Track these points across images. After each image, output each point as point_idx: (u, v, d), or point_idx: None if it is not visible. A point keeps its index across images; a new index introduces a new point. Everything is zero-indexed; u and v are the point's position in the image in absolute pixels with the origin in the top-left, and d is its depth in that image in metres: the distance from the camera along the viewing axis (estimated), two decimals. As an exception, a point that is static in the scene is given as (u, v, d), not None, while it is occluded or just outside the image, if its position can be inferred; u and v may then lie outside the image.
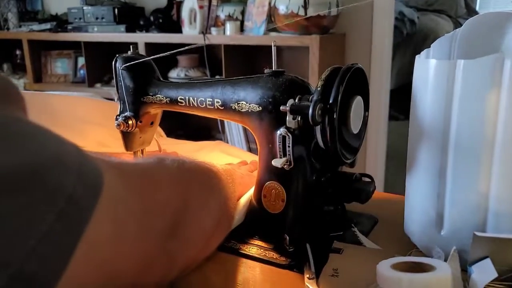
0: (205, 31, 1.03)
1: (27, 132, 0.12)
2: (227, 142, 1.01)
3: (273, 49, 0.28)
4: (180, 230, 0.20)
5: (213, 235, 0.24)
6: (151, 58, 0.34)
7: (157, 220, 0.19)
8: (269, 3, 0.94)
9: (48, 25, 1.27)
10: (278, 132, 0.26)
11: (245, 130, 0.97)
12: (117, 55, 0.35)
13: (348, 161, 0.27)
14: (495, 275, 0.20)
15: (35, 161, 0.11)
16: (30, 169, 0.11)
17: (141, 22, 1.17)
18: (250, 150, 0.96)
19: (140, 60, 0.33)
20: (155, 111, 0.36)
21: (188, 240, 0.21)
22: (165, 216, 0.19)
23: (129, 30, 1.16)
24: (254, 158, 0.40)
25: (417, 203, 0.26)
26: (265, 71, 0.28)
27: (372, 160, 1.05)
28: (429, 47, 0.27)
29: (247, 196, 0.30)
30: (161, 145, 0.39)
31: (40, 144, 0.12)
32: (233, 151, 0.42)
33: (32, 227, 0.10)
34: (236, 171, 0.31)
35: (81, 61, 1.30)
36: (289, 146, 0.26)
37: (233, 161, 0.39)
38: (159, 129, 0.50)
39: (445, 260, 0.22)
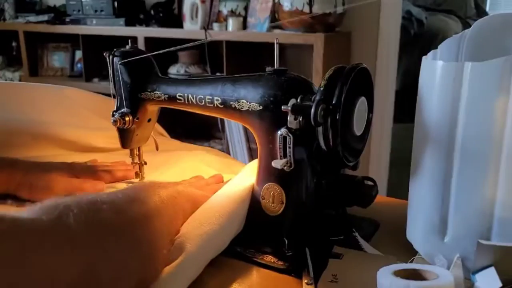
0: (206, 26, 1.02)
1: None
2: (227, 142, 1.00)
3: (276, 47, 0.27)
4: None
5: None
6: (151, 55, 0.33)
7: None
8: (273, -1, 0.93)
9: (45, 17, 1.25)
10: (279, 132, 0.26)
11: (245, 129, 0.96)
12: (114, 49, 0.34)
13: (351, 164, 0.26)
14: (499, 284, 0.19)
15: None
16: None
17: (141, 16, 1.15)
18: (250, 150, 0.96)
19: (140, 56, 0.32)
20: (153, 108, 0.35)
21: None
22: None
23: (128, 23, 1.14)
24: (235, 167, 0.38)
25: (421, 209, 0.25)
26: (267, 69, 0.28)
27: (375, 163, 1.04)
28: (437, 48, 0.27)
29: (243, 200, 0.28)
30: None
31: None
32: (215, 163, 0.39)
33: None
34: (192, 193, 0.27)
35: (79, 54, 1.28)
36: (289, 147, 0.25)
37: (210, 173, 0.36)
38: (162, 130, 0.49)
39: (448, 268, 0.22)
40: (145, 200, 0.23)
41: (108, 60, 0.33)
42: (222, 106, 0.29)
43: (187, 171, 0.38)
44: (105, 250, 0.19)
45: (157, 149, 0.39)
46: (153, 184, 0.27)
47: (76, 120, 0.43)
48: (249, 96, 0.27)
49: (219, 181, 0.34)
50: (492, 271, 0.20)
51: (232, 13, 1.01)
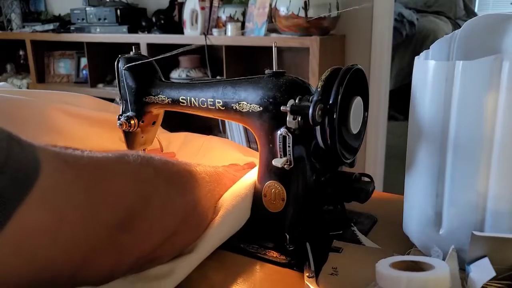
0: (206, 32, 1.04)
1: None
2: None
3: (274, 50, 0.28)
4: (134, 224, 0.20)
5: (178, 233, 0.23)
6: (154, 59, 0.34)
7: (105, 212, 0.19)
8: (270, 5, 0.94)
9: (51, 26, 1.28)
10: (279, 132, 0.26)
11: (245, 130, 0.97)
12: (119, 56, 0.35)
13: (348, 161, 0.27)
14: (493, 274, 0.20)
15: None
16: None
17: (143, 23, 1.18)
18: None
19: (144, 61, 0.34)
20: (157, 111, 0.36)
21: (143, 234, 0.21)
22: (116, 209, 0.19)
23: (131, 31, 1.17)
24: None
25: (416, 203, 0.26)
26: (266, 71, 0.29)
27: (371, 160, 1.05)
28: (428, 48, 0.28)
29: (246, 191, 0.29)
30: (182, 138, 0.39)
31: None
32: (240, 150, 0.41)
33: None
34: (228, 172, 0.30)
35: (84, 61, 1.31)
36: (289, 146, 0.26)
37: (242, 157, 0.38)
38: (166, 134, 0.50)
39: (444, 259, 0.22)
40: (193, 168, 0.26)
41: (116, 66, 0.35)
42: (223, 108, 0.30)
43: (221, 158, 0.38)
44: (153, 186, 0.22)
45: (161, 150, 0.40)
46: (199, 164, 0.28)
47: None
48: (249, 98, 0.28)
49: (252, 167, 0.36)
50: (486, 261, 0.21)
51: (231, 18, 1.03)
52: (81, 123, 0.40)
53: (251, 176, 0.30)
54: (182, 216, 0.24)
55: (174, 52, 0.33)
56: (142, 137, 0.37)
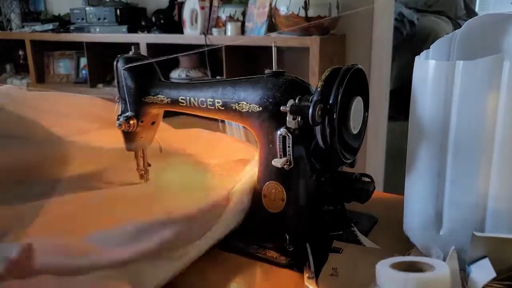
0: (206, 31, 1.03)
1: None
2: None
3: (274, 50, 0.28)
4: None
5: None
6: (156, 60, 0.34)
7: None
8: (270, 4, 0.94)
9: (50, 26, 1.28)
10: (278, 132, 0.26)
11: (245, 130, 0.97)
12: (118, 56, 0.35)
13: (348, 161, 0.27)
14: (493, 274, 0.20)
15: None
16: None
17: (143, 23, 1.17)
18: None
19: (144, 62, 0.34)
20: (156, 111, 0.36)
21: None
22: None
23: (130, 30, 1.17)
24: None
25: (416, 203, 0.26)
26: (266, 71, 0.28)
27: (371, 160, 1.05)
28: (429, 48, 0.28)
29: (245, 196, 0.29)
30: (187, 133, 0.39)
31: None
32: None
33: None
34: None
35: (83, 61, 1.30)
36: (289, 146, 0.26)
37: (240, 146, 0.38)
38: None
39: (444, 260, 0.22)
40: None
41: (115, 66, 0.35)
42: (223, 108, 0.30)
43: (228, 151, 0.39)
44: None
45: (160, 151, 0.40)
46: None
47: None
48: (249, 98, 0.28)
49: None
50: (486, 262, 0.21)
51: (231, 18, 1.03)
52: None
53: (250, 178, 0.30)
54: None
55: (176, 55, 0.33)
56: (141, 137, 0.37)
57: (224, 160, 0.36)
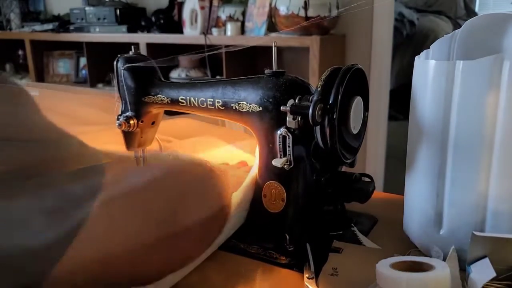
0: (206, 31, 1.03)
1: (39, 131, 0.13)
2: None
3: (274, 50, 0.28)
4: (176, 219, 0.22)
5: (210, 228, 0.25)
6: (157, 61, 0.34)
7: (154, 209, 0.21)
8: (270, 4, 0.94)
9: (50, 26, 1.28)
10: (279, 132, 0.26)
11: (245, 130, 0.97)
12: (118, 55, 0.35)
13: (348, 161, 0.27)
14: (493, 274, 0.20)
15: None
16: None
17: (143, 23, 1.17)
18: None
19: (145, 62, 0.34)
20: (157, 111, 0.36)
21: (185, 228, 0.23)
22: (160, 206, 0.21)
23: (130, 30, 1.17)
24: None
25: (416, 203, 0.26)
26: (266, 71, 0.28)
27: (372, 160, 1.05)
28: (429, 48, 0.27)
29: (245, 195, 0.30)
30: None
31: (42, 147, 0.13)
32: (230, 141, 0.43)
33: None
34: (231, 173, 0.32)
35: (83, 61, 1.30)
36: (289, 146, 0.26)
37: (232, 151, 0.39)
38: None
39: (444, 260, 0.22)
40: (211, 164, 0.27)
41: (115, 66, 0.35)
42: (223, 108, 0.30)
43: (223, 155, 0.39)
44: (186, 182, 0.24)
45: (160, 150, 0.40)
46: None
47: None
48: (249, 97, 0.28)
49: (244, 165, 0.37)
50: (486, 262, 0.21)
51: (230, 18, 1.03)
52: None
53: (251, 178, 0.30)
54: (213, 210, 0.26)
55: (176, 56, 0.33)
56: (141, 137, 0.37)
57: (227, 160, 0.37)
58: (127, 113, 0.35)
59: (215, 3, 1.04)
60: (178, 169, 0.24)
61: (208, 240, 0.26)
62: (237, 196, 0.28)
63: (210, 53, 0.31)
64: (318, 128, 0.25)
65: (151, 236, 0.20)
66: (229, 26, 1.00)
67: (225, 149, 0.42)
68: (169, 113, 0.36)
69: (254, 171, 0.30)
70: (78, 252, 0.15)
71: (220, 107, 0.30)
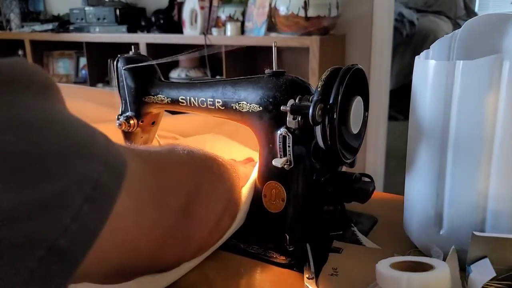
0: (206, 31, 1.04)
1: (63, 122, 0.14)
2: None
3: (274, 50, 0.28)
4: (192, 209, 0.22)
5: (223, 219, 0.26)
6: (157, 62, 0.34)
7: (171, 197, 0.21)
8: (270, 4, 0.95)
9: (50, 26, 1.28)
10: (279, 132, 0.26)
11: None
12: (118, 55, 0.35)
13: (348, 161, 0.27)
14: (493, 274, 0.20)
15: (65, 149, 0.13)
16: (61, 156, 0.13)
17: (143, 23, 1.17)
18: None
19: (146, 63, 0.34)
20: (157, 111, 0.36)
21: (200, 219, 0.23)
22: (179, 195, 0.22)
23: (130, 30, 1.17)
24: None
25: (416, 203, 0.26)
26: (266, 71, 0.28)
27: (372, 160, 1.05)
28: (429, 48, 0.28)
29: (246, 195, 0.30)
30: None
31: (71, 134, 0.14)
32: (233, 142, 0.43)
33: (64, 209, 0.12)
34: (240, 168, 0.32)
35: (83, 61, 1.30)
36: (289, 146, 0.26)
37: (238, 148, 0.39)
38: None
39: (444, 260, 0.22)
40: (222, 159, 0.28)
41: (112, 66, 0.35)
42: (223, 108, 0.30)
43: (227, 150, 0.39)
44: (201, 174, 0.24)
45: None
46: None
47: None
48: (249, 97, 0.28)
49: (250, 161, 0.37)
50: (486, 262, 0.21)
51: (230, 18, 1.03)
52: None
53: (252, 179, 0.31)
54: (225, 201, 0.26)
55: (177, 56, 0.33)
56: (142, 137, 0.37)
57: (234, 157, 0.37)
58: (127, 113, 0.35)
59: (215, 3, 1.04)
60: (193, 160, 0.25)
61: (220, 231, 0.26)
62: (245, 191, 0.29)
63: (210, 52, 0.31)
64: (318, 128, 0.25)
65: (170, 224, 0.21)
66: (229, 26, 1.01)
67: (232, 146, 0.42)
68: (171, 113, 0.36)
69: (256, 173, 0.30)
70: (108, 240, 0.15)
71: (220, 107, 0.30)
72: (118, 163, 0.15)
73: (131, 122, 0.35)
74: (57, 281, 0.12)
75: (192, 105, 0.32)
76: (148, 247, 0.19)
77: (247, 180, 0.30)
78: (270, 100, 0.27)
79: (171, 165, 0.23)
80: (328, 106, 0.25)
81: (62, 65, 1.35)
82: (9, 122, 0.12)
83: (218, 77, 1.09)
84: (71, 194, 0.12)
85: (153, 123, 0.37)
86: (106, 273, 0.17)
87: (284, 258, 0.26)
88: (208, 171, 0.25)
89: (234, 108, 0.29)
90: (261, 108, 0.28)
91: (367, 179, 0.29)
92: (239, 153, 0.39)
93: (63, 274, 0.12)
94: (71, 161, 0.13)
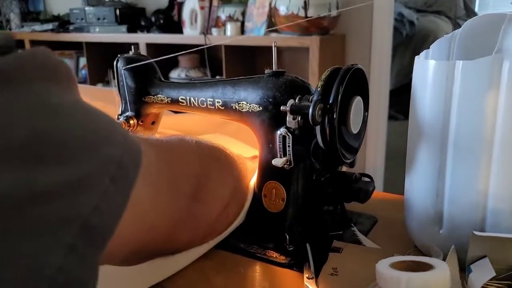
0: (205, 31, 1.04)
1: (87, 110, 0.15)
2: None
3: (274, 50, 0.28)
4: (201, 194, 0.23)
5: (230, 205, 0.27)
6: (155, 60, 0.34)
7: (183, 182, 0.22)
8: (270, 4, 0.95)
9: (50, 26, 1.28)
10: (278, 132, 0.26)
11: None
12: (118, 55, 0.35)
13: (348, 161, 0.27)
14: (493, 274, 0.20)
15: (91, 134, 0.14)
16: (88, 140, 0.13)
17: (142, 23, 1.18)
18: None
19: (144, 62, 0.34)
20: (157, 111, 0.36)
21: (208, 204, 0.24)
22: (189, 180, 0.23)
23: (130, 30, 1.17)
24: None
25: (416, 202, 0.26)
26: (266, 71, 0.28)
27: (371, 160, 1.05)
28: (429, 48, 0.28)
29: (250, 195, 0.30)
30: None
31: (94, 121, 0.15)
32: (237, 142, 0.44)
33: (93, 188, 0.13)
34: (248, 162, 0.33)
35: (83, 61, 1.30)
36: (289, 146, 0.26)
37: (244, 147, 0.39)
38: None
39: (444, 259, 0.22)
40: (229, 150, 0.29)
41: (115, 66, 0.35)
42: (223, 108, 0.30)
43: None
44: (209, 162, 0.25)
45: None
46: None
47: None
48: (249, 97, 0.28)
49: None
50: (486, 261, 0.21)
51: (230, 18, 1.03)
52: None
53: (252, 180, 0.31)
54: (232, 189, 0.27)
55: (176, 54, 0.33)
56: (142, 137, 0.37)
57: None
58: (127, 113, 0.35)
59: (215, 3, 1.04)
60: (201, 149, 0.26)
61: (228, 218, 0.27)
62: (252, 184, 0.30)
63: (208, 45, 0.31)
64: (318, 128, 0.25)
65: (183, 208, 0.22)
66: (228, 26, 1.01)
67: (238, 145, 0.42)
68: (173, 112, 0.36)
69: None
70: (129, 224, 0.15)
71: (220, 107, 0.30)
72: (135, 150, 0.16)
73: (131, 122, 0.35)
74: (91, 257, 0.12)
75: (192, 105, 0.32)
76: (164, 229, 0.20)
77: (253, 174, 0.30)
78: (270, 100, 0.27)
79: (182, 154, 0.24)
80: (328, 106, 0.25)
81: (62, 65, 1.35)
82: (39, 108, 0.12)
83: (218, 77, 1.09)
84: (98, 174, 0.13)
85: (153, 123, 0.37)
86: (126, 256, 0.18)
87: (284, 258, 0.27)
88: (216, 160, 0.26)
89: (234, 108, 0.29)
90: (261, 108, 0.28)
91: (367, 179, 0.29)
92: (245, 151, 0.39)
93: (96, 251, 0.12)
94: (97, 145, 0.13)
